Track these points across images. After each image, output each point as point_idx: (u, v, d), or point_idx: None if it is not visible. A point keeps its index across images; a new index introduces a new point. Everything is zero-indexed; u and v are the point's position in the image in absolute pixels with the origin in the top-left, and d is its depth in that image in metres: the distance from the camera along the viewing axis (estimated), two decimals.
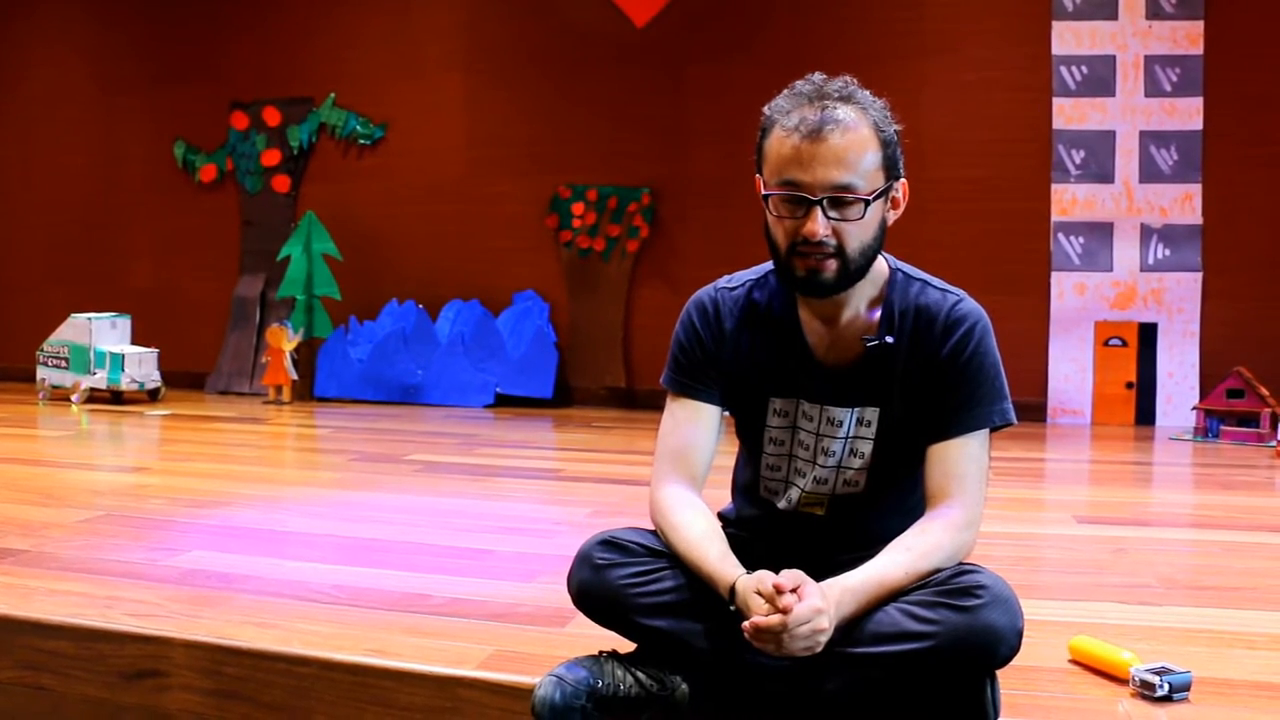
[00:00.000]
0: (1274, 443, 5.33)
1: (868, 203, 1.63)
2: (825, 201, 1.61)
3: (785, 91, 1.69)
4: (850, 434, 1.77)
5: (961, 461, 1.70)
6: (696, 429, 1.81)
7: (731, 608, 1.59)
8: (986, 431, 1.73)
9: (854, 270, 1.67)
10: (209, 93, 8.22)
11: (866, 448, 1.77)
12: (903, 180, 1.71)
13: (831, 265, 1.65)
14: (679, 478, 1.79)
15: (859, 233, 1.64)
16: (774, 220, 1.68)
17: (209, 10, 8.24)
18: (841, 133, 1.61)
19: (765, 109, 1.71)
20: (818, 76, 1.69)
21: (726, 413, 1.87)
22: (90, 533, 3.03)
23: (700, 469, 1.81)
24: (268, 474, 4.42)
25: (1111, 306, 6.61)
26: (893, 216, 1.72)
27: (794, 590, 1.50)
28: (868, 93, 1.69)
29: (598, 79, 7.41)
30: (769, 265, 1.84)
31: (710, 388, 1.82)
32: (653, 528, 1.78)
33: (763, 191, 1.68)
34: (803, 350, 1.79)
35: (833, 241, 1.63)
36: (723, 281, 1.88)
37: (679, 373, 1.85)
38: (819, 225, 1.61)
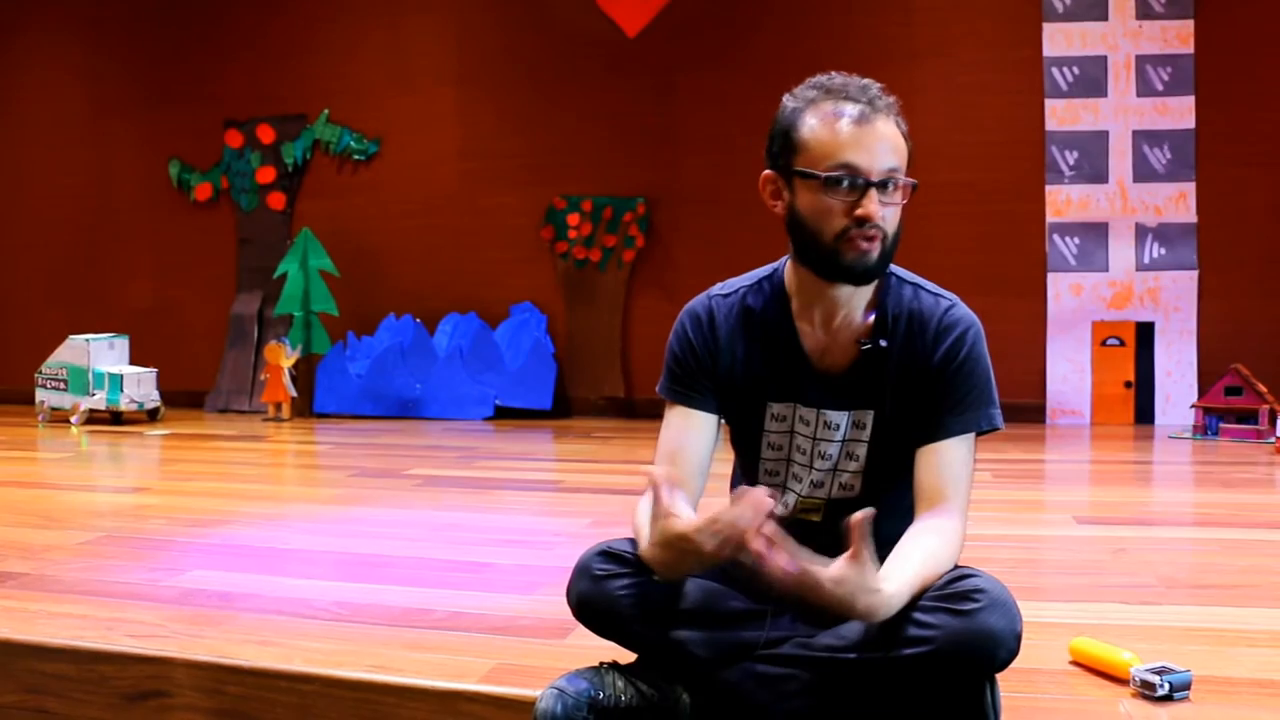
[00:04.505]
0: (1273, 439, 5.33)
1: (914, 187, 1.69)
2: (881, 184, 1.65)
3: (809, 85, 1.71)
4: (846, 437, 1.78)
5: (954, 465, 1.70)
6: (688, 435, 1.82)
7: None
8: (973, 435, 1.74)
9: (889, 255, 1.71)
10: (203, 111, 8.24)
11: (861, 451, 1.78)
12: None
13: (878, 247, 1.68)
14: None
15: (896, 220, 1.69)
16: (822, 205, 1.67)
17: (201, 30, 8.26)
18: (892, 122, 1.68)
19: (788, 100, 1.72)
20: (840, 74, 1.72)
21: (724, 421, 1.87)
22: (91, 554, 3.03)
23: (692, 474, 1.80)
24: (268, 491, 4.42)
25: (1108, 306, 6.62)
26: None
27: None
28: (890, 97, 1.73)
29: (590, 89, 7.43)
30: (763, 271, 1.85)
31: (705, 395, 1.83)
32: None
33: (819, 173, 1.66)
34: (798, 355, 1.79)
35: (882, 224, 1.66)
36: (716, 289, 1.89)
37: (673, 381, 1.86)
38: (877, 206, 1.64)
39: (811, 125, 1.68)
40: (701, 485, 1.82)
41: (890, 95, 1.72)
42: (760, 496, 1.43)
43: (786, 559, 1.41)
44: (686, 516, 1.52)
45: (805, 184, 1.68)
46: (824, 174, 1.66)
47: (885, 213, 1.66)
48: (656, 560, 1.57)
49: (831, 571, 1.42)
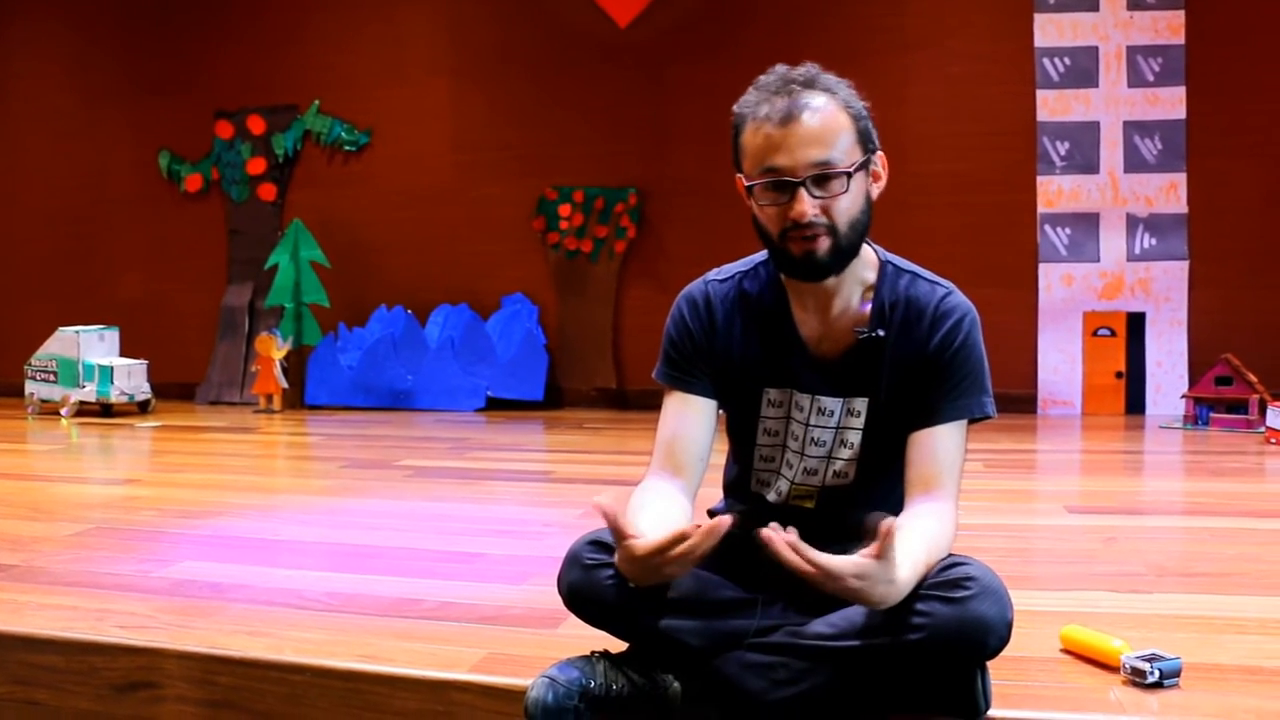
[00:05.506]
0: (1262, 429, 5.35)
1: (850, 175, 1.66)
2: (809, 181, 1.63)
3: (751, 87, 1.71)
4: (839, 424, 1.78)
5: (950, 451, 1.71)
6: (685, 421, 1.82)
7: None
8: (966, 422, 1.74)
9: (846, 246, 1.69)
10: (193, 102, 8.20)
11: (855, 438, 1.78)
12: (880, 153, 1.73)
13: (825, 243, 1.66)
14: (662, 469, 1.80)
15: (847, 208, 1.67)
16: (760, 210, 1.69)
17: (191, 20, 8.21)
18: (813, 113, 1.64)
19: (735, 107, 1.73)
20: (780, 68, 1.72)
21: (721, 409, 1.87)
22: (80, 546, 3.02)
23: (689, 459, 1.80)
24: (259, 483, 4.41)
25: (1099, 297, 6.63)
26: (876, 190, 1.74)
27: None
28: (831, 75, 1.71)
29: (582, 80, 7.41)
30: (758, 257, 1.86)
31: (702, 379, 1.83)
32: None
33: (745, 184, 1.69)
34: (794, 340, 1.79)
35: (823, 220, 1.65)
36: (712, 274, 1.89)
37: (670, 366, 1.86)
38: (807, 205, 1.64)
39: (744, 132, 1.70)
40: (701, 472, 1.82)
41: (828, 77, 1.69)
42: (718, 522, 1.43)
43: (809, 558, 1.41)
44: (643, 539, 1.50)
45: (749, 190, 1.69)
46: (752, 183, 1.68)
47: (832, 206, 1.65)
48: (626, 574, 1.57)
49: (855, 567, 1.43)
